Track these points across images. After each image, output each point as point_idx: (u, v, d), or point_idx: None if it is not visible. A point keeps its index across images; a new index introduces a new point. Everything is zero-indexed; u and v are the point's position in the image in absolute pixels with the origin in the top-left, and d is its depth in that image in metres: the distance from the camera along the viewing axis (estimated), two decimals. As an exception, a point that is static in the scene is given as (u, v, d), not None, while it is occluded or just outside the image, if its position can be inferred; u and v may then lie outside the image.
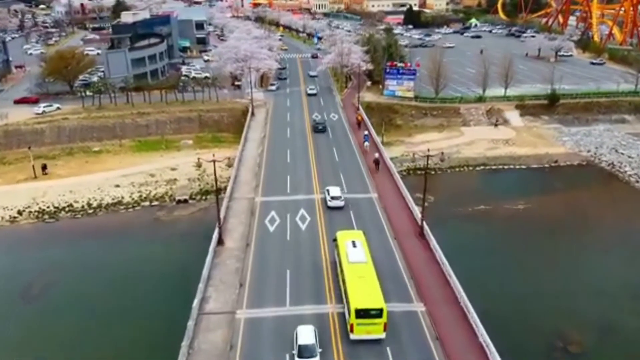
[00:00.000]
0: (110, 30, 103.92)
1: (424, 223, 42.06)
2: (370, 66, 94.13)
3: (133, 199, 59.64)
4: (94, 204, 58.46)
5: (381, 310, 28.85)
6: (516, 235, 52.14)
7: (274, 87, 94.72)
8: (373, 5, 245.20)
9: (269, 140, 66.60)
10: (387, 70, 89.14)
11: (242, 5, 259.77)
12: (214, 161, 40.76)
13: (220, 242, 40.60)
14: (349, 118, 77.84)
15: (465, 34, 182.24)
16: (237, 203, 48.29)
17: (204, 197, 59.88)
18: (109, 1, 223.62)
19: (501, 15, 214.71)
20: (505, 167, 70.46)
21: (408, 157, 71.69)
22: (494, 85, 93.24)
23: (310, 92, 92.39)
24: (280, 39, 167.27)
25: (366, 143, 65.05)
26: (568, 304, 41.15)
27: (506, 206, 58.11)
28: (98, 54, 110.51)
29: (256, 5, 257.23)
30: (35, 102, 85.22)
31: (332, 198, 47.00)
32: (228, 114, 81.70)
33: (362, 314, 28.81)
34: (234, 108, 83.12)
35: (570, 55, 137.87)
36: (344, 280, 31.90)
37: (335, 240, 36.45)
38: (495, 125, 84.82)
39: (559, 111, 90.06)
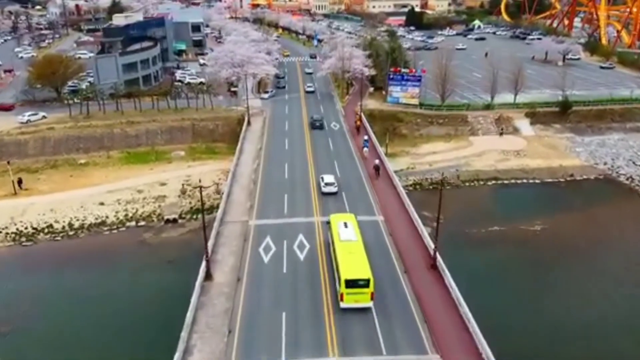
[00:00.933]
0: (101, 33, 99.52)
1: (437, 254, 37.69)
2: (372, 71, 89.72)
3: (118, 218, 55.19)
4: (76, 225, 54.01)
5: (368, 280, 31.72)
6: (535, 263, 47.57)
7: (266, 96, 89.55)
8: (374, 7, 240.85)
9: (265, 153, 62.21)
10: (391, 76, 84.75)
11: (241, 6, 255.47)
12: (200, 187, 36.19)
13: (208, 276, 36.16)
14: (351, 128, 73.42)
15: (468, 36, 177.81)
16: (228, 228, 43.84)
17: (194, 216, 55.39)
18: (105, 2, 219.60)
19: (504, 16, 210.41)
20: (518, 181, 66.00)
21: (414, 170, 67.48)
22: (502, 91, 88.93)
23: (308, 89, 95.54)
24: (276, 40, 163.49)
25: (365, 149, 62.28)
26: (605, 347, 36.72)
27: (522, 227, 53.63)
28: (90, 57, 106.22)
29: (255, 6, 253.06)
30: (8, 109, 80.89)
31: (327, 184, 50.23)
32: (223, 123, 77.29)
33: (351, 284, 31.73)
34: (229, 116, 78.70)
35: (578, 59, 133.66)
36: (335, 257, 34.94)
37: (328, 222, 39.61)
38: (501, 134, 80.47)
39: (571, 119, 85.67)
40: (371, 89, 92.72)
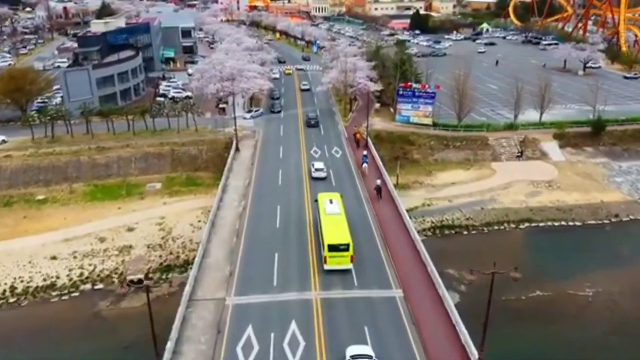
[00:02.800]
0: (76, 43, 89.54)
1: None
2: (379, 86, 79.33)
3: (71, 279, 44.81)
4: (19, 288, 43.66)
5: (348, 245, 36.18)
6: (598, 351, 37.11)
7: (248, 115, 78.03)
8: (376, 9, 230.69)
9: (254, 191, 51.76)
10: (400, 92, 74.38)
11: (238, 9, 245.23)
12: (146, 288, 25.67)
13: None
14: (355, 154, 63.08)
15: (477, 41, 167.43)
16: (198, 310, 33.42)
17: (165, 276, 45.04)
18: (95, 4, 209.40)
19: (513, 19, 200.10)
20: (556, 223, 55.52)
21: (431, 208, 57.09)
22: (523, 106, 78.65)
23: (303, 87, 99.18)
24: (267, 43, 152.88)
25: (365, 164, 56.87)
26: None
27: (570, 291, 43.29)
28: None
29: (252, 8, 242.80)
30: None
31: (317, 170, 54.71)
32: (208, 148, 66.91)
33: (333, 248, 36.09)
34: (216, 140, 68.33)
35: (599, 67, 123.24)
36: (321, 228, 38.75)
37: (316, 200, 43.50)
38: (519, 156, 70.39)
39: (604, 141, 75.27)
40: (377, 105, 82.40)
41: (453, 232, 52.75)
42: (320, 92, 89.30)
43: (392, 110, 79.08)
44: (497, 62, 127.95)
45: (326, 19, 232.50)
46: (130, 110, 71.41)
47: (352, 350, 28.38)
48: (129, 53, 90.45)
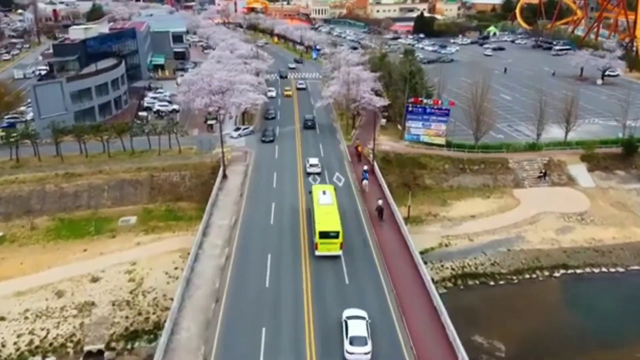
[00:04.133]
0: (51, 51, 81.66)
1: None
2: (385, 101, 71.17)
3: (18, 348, 36.70)
4: (-51, 362, 35.73)
5: (338, 232, 38.63)
6: None
7: (235, 134, 69.86)
8: (378, 11, 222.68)
9: (240, 234, 43.50)
10: (410, 108, 66.34)
11: (235, 11, 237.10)
12: None
13: None
14: (359, 180, 55.18)
15: (485, 45, 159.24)
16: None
17: (130, 346, 36.91)
18: (87, 6, 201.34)
19: (520, 22, 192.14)
20: (595, 269, 47.36)
21: (450, 249, 49.01)
22: (529, 119, 70.83)
23: (300, 86, 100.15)
24: (262, 46, 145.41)
25: (365, 181, 52.71)
26: None
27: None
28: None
29: (250, 10, 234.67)
30: None
31: (311, 166, 56.61)
32: (192, 174, 58.88)
33: (324, 235, 38.54)
34: (202, 163, 60.25)
35: (617, 75, 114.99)
36: (314, 217, 40.94)
37: (310, 192, 45.59)
38: (541, 176, 62.64)
39: (637, 163, 67.26)
40: (383, 121, 74.24)
41: (477, 282, 44.69)
42: (321, 108, 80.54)
43: (399, 127, 71.00)
44: (505, 69, 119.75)
45: (326, 21, 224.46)
46: (105, 129, 63.18)
47: (348, 312, 31.18)
48: (110, 62, 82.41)
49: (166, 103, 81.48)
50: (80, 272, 44.50)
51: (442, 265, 46.14)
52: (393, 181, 59.54)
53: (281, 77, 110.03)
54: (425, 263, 44.61)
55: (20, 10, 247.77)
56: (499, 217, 55.04)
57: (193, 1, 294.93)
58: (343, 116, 77.25)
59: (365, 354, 28.38)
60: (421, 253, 45.39)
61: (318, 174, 56.17)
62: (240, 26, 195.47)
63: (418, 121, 66.17)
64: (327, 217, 39.87)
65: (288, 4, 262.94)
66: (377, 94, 75.35)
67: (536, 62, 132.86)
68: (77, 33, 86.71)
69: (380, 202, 46.62)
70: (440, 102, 65.53)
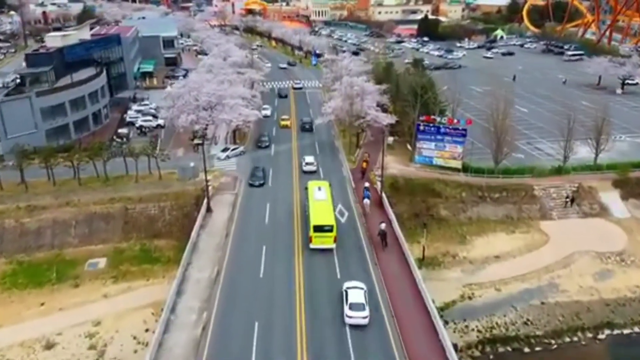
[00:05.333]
0: (24, 62, 74.12)
1: None
2: (392, 118, 63.49)
3: None
4: None
5: (332, 226, 40.00)
6: None
7: (222, 155, 61.98)
8: (379, 13, 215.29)
9: (223, 291, 35.68)
10: (421, 127, 58.80)
11: (233, 12, 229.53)
12: None
13: None
14: (365, 215, 47.80)
15: (493, 50, 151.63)
16: None
17: None
18: (78, 8, 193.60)
19: (527, 24, 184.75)
20: (647, 329, 40.07)
21: (473, 303, 41.46)
22: (550, 135, 63.30)
23: (296, 86, 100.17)
24: (256, 48, 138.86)
25: (366, 200, 48.51)
26: None
27: None
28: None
29: (248, 12, 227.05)
30: None
31: (307, 164, 57.39)
32: (172, 205, 51.29)
33: (318, 228, 39.84)
34: (184, 192, 52.68)
35: (636, 84, 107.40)
36: (308, 212, 42.64)
37: (306, 188, 46.77)
38: (567, 201, 55.38)
39: (674, 189, 59.74)
40: (390, 139, 66.49)
41: (510, 348, 37.20)
42: (321, 125, 72.04)
43: (409, 147, 63.42)
44: (514, 77, 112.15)
45: (326, 23, 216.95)
46: (79, 150, 55.58)
47: (348, 284, 33.98)
48: (89, 72, 74.83)
49: (150, 117, 73.78)
50: (34, 335, 36.97)
51: (467, 327, 38.64)
52: (403, 211, 52.10)
53: (280, 96, 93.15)
54: (447, 323, 37.27)
55: (12, 12, 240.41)
56: (527, 258, 47.51)
57: (190, 2, 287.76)
58: (345, 132, 69.63)
59: (363, 317, 31.54)
60: (441, 309, 38.07)
61: (313, 172, 56.63)
62: (237, 29, 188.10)
63: (430, 142, 58.64)
64: (322, 211, 41.53)
65: (287, 5, 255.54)
66: (383, 108, 67.87)
67: (548, 68, 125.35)
68: (54, 40, 79.04)
69: (382, 225, 42.38)
70: (456, 121, 57.82)
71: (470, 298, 41.70)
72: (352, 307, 31.50)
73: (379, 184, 52.40)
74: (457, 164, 58.23)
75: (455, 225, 52.34)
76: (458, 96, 65.83)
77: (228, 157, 61.71)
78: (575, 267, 46.26)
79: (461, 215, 53.77)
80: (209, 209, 47.75)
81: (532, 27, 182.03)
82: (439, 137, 57.96)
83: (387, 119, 61.89)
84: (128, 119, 74.69)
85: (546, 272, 45.31)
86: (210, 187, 50.89)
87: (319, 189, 45.07)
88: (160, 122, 71.41)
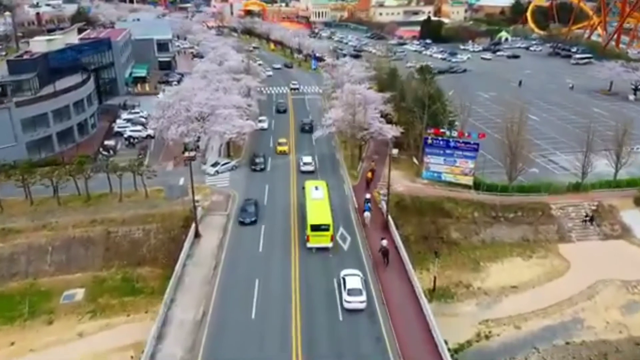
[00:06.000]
0: (6, 68, 69.81)
1: None
2: (397, 130, 59.11)
3: None
4: None
5: (328, 225, 40.49)
6: None
7: (212, 170, 57.28)
8: (381, 14, 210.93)
9: (209, 338, 31.34)
10: (429, 141, 54.53)
11: (232, 14, 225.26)
12: None
13: None
14: (365, 228, 43.86)
15: (498, 53, 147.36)
16: None
17: None
18: (73, 9, 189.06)
19: (531, 26, 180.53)
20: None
21: (491, 345, 37.15)
22: (571, 148, 59.01)
23: (293, 87, 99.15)
24: (251, 50, 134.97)
25: (367, 213, 46.23)
26: None
27: None
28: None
29: (247, 13, 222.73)
30: None
31: (305, 164, 57.09)
32: (158, 227, 46.99)
33: (315, 228, 40.31)
34: (171, 213, 48.35)
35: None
36: (306, 211, 42.79)
37: (304, 188, 47.29)
38: (586, 220, 51.26)
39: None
40: (394, 152, 61.70)
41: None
42: (321, 138, 66.03)
43: (415, 160, 59.09)
44: (520, 82, 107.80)
45: (327, 25, 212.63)
46: (55, 168, 51.28)
47: (345, 272, 36.21)
48: (76, 79, 70.53)
49: (140, 127, 69.41)
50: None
51: (486, 375, 34.36)
52: (410, 234, 47.97)
53: (278, 111, 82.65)
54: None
55: (7, 13, 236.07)
56: (547, 289, 43.24)
57: (188, 3, 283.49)
58: (347, 144, 65.20)
59: (361, 302, 33.41)
60: (455, 351, 33.82)
61: (311, 172, 56.02)
62: (235, 31, 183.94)
63: (439, 156, 54.37)
64: (319, 210, 41.96)
65: (287, 5, 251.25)
66: (387, 118, 63.68)
67: (556, 72, 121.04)
68: (38, 45, 74.72)
69: (384, 242, 40.19)
70: (467, 134, 53.49)
71: (487, 337, 37.42)
72: (350, 292, 33.58)
73: (383, 203, 48.08)
74: (468, 180, 53.94)
75: (467, 250, 48.07)
76: (468, 105, 61.28)
77: (218, 172, 57.21)
78: (600, 299, 42.01)
79: (474, 237, 49.48)
80: (197, 234, 43.48)
81: (537, 29, 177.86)
82: (448, 151, 53.69)
83: (393, 132, 57.54)
84: (116, 129, 70.35)
85: (569, 306, 41.03)
86: (199, 208, 46.75)
87: (316, 188, 45.75)
88: (150, 132, 67.01)
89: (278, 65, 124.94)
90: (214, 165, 58.43)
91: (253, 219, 45.78)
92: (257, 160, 58.74)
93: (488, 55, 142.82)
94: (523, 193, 53.80)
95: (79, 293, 41.54)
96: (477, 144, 52.51)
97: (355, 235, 44.23)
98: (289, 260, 39.91)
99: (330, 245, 40.62)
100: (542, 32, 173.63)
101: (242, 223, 45.73)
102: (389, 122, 62.44)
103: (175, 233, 46.30)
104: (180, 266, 38.67)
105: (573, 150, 65.00)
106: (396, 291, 36.23)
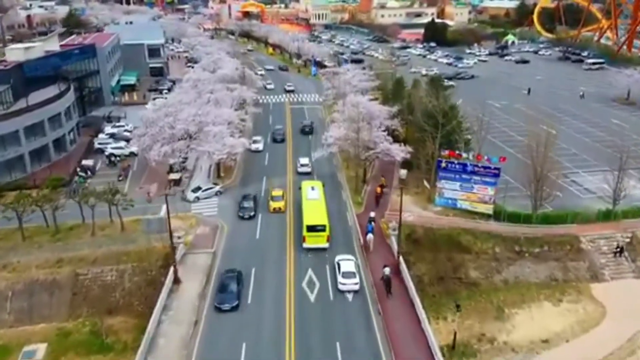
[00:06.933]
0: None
1: None
2: (406, 149, 52.95)
3: None
4: None
5: (324, 226, 40.78)
6: None
7: (191, 197, 50.64)
8: (382, 16, 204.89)
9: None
10: (443, 164, 48.46)
11: (230, 15, 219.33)
12: None
13: None
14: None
15: (506, 57, 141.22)
16: None
17: None
18: (66, 11, 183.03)
19: (538, 28, 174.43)
20: None
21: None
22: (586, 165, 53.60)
23: (288, 88, 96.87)
24: (246, 52, 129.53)
25: (370, 236, 42.57)
26: None
27: None
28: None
29: (245, 15, 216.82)
30: None
31: (302, 165, 56.30)
32: (134, 268, 40.95)
33: (311, 228, 40.55)
34: (150, 251, 42.22)
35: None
36: (302, 211, 43.34)
37: (300, 188, 48.00)
38: (617, 252, 45.41)
39: None
40: (402, 173, 55.95)
41: None
42: (322, 159, 59.61)
43: (426, 183, 52.96)
44: (529, 90, 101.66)
45: (327, 27, 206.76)
46: (20, 196, 45.19)
47: (339, 257, 38.99)
48: (54, 90, 64.58)
49: (123, 143, 63.23)
50: None
51: None
52: (423, 274, 42.06)
53: (275, 140, 67.31)
54: None
55: (0, 14, 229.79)
56: (582, 342, 37.25)
57: (186, 4, 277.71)
58: (349, 163, 59.01)
59: (355, 284, 36.32)
60: None
61: (308, 173, 54.98)
62: (232, 34, 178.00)
63: (454, 181, 48.31)
64: (315, 211, 42.26)
65: (286, 7, 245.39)
66: (394, 135, 57.53)
67: (569, 79, 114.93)
68: (15, 54, 68.76)
69: (387, 270, 37.06)
70: (486, 157, 47.39)
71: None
72: (344, 275, 36.44)
73: (393, 239, 42.08)
74: (488, 208, 47.88)
75: (489, 292, 42.01)
76: (486, 119, 54.83)
77: (198, 198, 50.72)
78: (646, 356, 35.98)
79: (495, 277, 43.45)
80: (176, 280, 37.41)
81: (544, 32, 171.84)
82: (465, 176, 47.63)
83: (402, 153, 51.42)
84: (97, 145, 64.25)
85: (613, 369, 35.01)
86: (181, 245, 40.77)
87: (312, 188, 46.24)
88: (134, 149, 60.81)
89: (270, 67, 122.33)
90: (196, 190, 51.90)
91: (234, 303, 34.39)
92: (246, 204, 47.53)
93: (483, 57, 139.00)
94: (549, 224, 47.63)
95: (40, 350, 35.49)
96: (498, 169, 46.42)
97: (360, 277, 37.98)
98: (284, 296, 33.89)
99: (326, 245, 40.63)
100: (549, 35, 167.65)
101: (218, 309, 34.33)
102: (396, 139, 56.32)
103: (154, 274, 40.31)
104: (154, 323, 32.62)
105: (597, 169, 59.29)
106: (409, 347, 30.34)
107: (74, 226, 45.35)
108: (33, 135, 57.75)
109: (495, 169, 46.27)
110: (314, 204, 43.63)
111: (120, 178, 56.06)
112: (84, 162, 58.82)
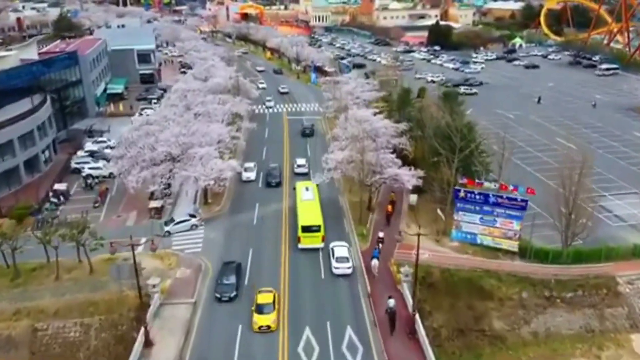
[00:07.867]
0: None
1: None
2: (418, 174, 46.71)
3: None
4: None
5: (319, 226, 40.77)
6: None
7: (166, 228, 44.07)
8: (384, 18, 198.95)
9: None
10: (461, 194, 42.42)
11: (228, 17, 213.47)
12: None
13: None
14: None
15: (515, 62, 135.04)
16: None
17: None
18: (56, 14, 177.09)
19: (545, 30, 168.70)
20: None
21: None
22: (615, 186, 48.34)
23: (282, 90, 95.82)
24: (240, 55, 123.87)
25: (374, 261, 38.49)
26: None
27: None
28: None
29: (243, 17, 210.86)
30: None
31: (298, 166, 55.79)
32: (101, 322, 34.86)
33: (306, 229, 40.57)
34: (120, 300, 36.00)
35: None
36: (296, 212, 43.31)
37: (294, 188, 47.93)
38: None
39: None
40: (412, 199, 49.93)
41: None
42: (323, 185, 52.71)
43: (440, 213, 46.91)
44: (539, 99, 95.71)
45: (327, 29, 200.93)
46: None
47: (333, 243, 40.52)
48: (26, 105, 58.62)
49: (103, 163, 56.93)
50: None
51: None
52: (441, 326, 36.24)
53: (269, 184, 54.21)
54: None
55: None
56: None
57: (184, 5, 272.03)
58: (351, 186, 52.66)
59: (348, 268, 37.99)
60: None
61: (305, 174, 54.44)
62: (229, 36, 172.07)
63: (474, 213, 42.25)
64: (309, 212, 42.24)
65: (285, 9, 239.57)
66: (403, 156, 51.24)
67: (581, 85, 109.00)
68: (-14, 62, 63.22)
69: (391, 302, 33.11)
70: (512, 187, 41.27)
71: None
72: (338, 260, 38.16)
73: (406, 289, 36.05)
74: (512, 245, 41.82)
75: (516, 347, 36.13)
76: (512, 140, 48.46)
77: (169, 233, 44.15)
78: None
79: (523, 328, 37.48)
80: (147, 342, 31.31)
81: (552, 35, 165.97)
82: (486, 208, 41.60)
83: (412, 179, 45.30)
84: (73, 165, 58.17)
85: None
86: (156, 295, 34.75)
87: (307, 189, 46.15)
88: (114, 170, 54.50)
89: (261, 68, 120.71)
90: (168, 222, 45.08)
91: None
92: (226, 281, 36.18)
93: (479, 59, 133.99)
94: (581, 262, 41.62)
95: None
96: (526, 202, 40.36)
97: (368, 344, 31.82)
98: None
99: (321, 245, 40.50)
100: (557, 38, 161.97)
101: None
102: (405, 159, 50.16)
103: (124, 329, 34.37)
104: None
105: (627, 192, 53.60)
106: None
107: (38, 267, 39.28)
108: (1, 156, 51.74)
109: (522, 200, 40.20)
110: (309, 204, 43.49)
111: (97, 204, 50.16)
112: (57, 186, 52.60)
